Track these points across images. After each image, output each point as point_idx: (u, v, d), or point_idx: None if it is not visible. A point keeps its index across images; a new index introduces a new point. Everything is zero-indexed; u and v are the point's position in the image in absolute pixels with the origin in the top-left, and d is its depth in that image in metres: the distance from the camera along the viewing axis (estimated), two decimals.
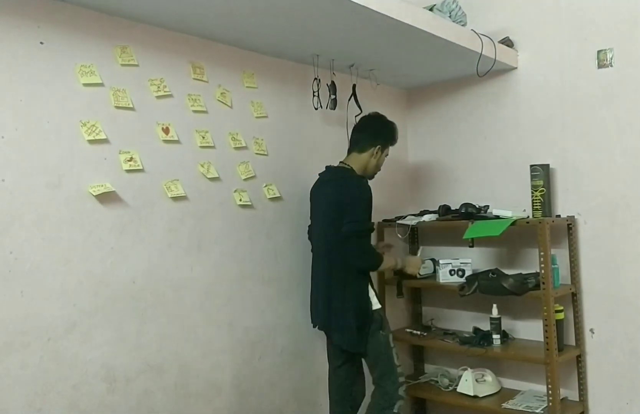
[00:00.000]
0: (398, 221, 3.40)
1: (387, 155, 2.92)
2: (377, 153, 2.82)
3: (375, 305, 2.71)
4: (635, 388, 2.90)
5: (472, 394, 3.11)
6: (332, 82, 3.10)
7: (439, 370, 3.48)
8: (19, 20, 2.03)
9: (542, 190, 3.02)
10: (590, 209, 3.03)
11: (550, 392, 2.80)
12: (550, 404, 2.80)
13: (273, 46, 2.81)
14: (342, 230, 2.60)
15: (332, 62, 3.06)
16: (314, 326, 2.84)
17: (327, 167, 2.88)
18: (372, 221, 2.75)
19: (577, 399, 3.06)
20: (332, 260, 2.68)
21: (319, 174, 2.88)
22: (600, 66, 2.99)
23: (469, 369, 3.18)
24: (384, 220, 3.54)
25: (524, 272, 3.08)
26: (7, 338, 1.96)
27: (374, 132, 2.84)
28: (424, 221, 3.32)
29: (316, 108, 3.05)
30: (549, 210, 3.04)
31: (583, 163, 3.05)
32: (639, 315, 2.89)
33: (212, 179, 2.61)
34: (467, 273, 3.23)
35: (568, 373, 3.08)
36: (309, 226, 2.95)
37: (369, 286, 2.72)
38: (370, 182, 2.79)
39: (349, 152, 2.88)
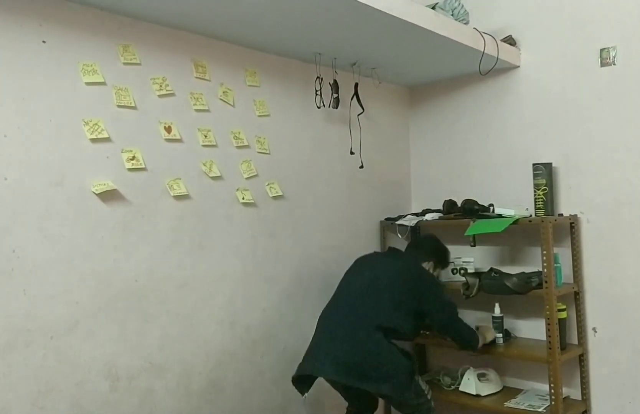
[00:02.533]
0: (397, 223, 3.40)
1: (438, 276, 3.07)
2: (430, 267, 2.95)
3: None
4: (638, 387, 2.90)
5: (474, 393, 3.10)
6: (335, 81, 3.10)
7: (441, 369, 3.48)
8: (21, 18, 2.03)
9: (545, 189, 3.02)
10: (592, 207, 3.03)
11: (552, 391, 2.80)
12: (553, 403, 2.80)
13: (276, 44, 2.81)
14: (435, 318, 2.78)
15: (335, 61, 3.05)
16: (312, 376, 2.62)
17: (390, 248, 3.07)
18: None
19: (580, 398, 3.06)
20: (382, 323, 2.55)
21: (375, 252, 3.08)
22: (603, 64, 2.98)
23: (471, 368, 3.18)
24: (387, 219, 3.53)
25: (526, 271, 3.07)
26: (10, 337, 1.96)
27: (430, 249, 3.03)
28: (424, 220, 3.32)
29: (319, 107, 3.04)
30: (551, 209, 3.03)
31: (586, 162, 3.05)
32: None
33: (215, 178, 2.61)
34: (470, 272, 3.22)
35: (570, 372, 3.08)
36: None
37: None
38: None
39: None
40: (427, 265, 2.94)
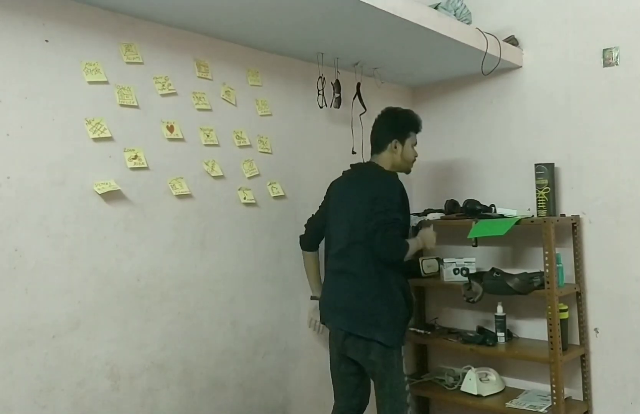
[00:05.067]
0: None
1: (414, 144, 2.75)
2: (396, 147, 2.69)
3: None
4: None
5: (475, 393, 3.10)
6: (337, 80, 3.10)
7: (442, 369, 3.48)
8: (24, 18, 2.03)
9: (547, 189, 3.02)
10: (595, 208, 3.03)
11: (554, 391, 2.80)
12: (554, 403, 2.80)
13: (278, 44, 2.80)
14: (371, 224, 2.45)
15: (337, 60, 3.05)
16: (327, 325, 2.69)
17: (352, 165, 2.79)
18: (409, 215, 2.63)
19: (582, 399, 3.06)
20: (364, 258, 2.50)
21: (344, 172, 2.79)
22: (605, 65, 2.98)
23: (472, 368, 3.18)
24: None
25: (528, 271, 3.07)
26: (12, 336, 1.96)
27: (386, 127, 2.73)
28: (426, 220, 3.32)
29: (321, 107, 3.04)
30: (553, 209, 3.03)
31: (588, 162, 3.04)
32: None
33: (217, 177, 2.61)
34: (471, 272, 3.22)
35: (572, 372, 3.07)
36: (312, 217, 2.84)
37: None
38: None
39: (371, 155, 2.77)
40: (392, 146, 2.67)
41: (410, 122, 2.77)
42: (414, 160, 2.78)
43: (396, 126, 2.73)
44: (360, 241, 2.52)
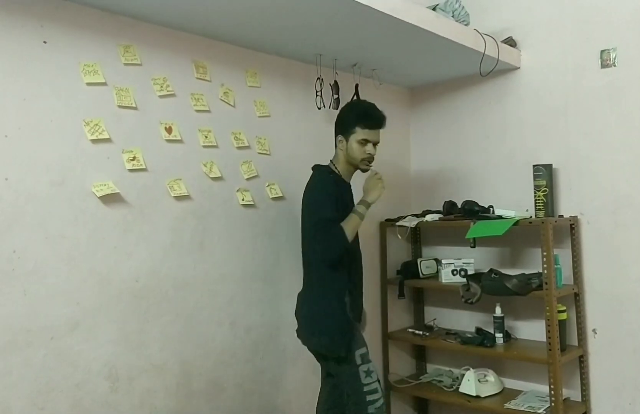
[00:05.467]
0: (397, 224, 3.39)
1: (364, 141, 2.53)
2: (341, 143, 2.57)
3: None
4: (638, 388, 2.90)
5: (474, 394, 3.10)
6: (335, 82, 3.10)
7: (441, 370, 3.48)
8: (22, 19, 2.03)
9: (545, 190, 3.02)
10: (593, 209, 3.03)
11: (552, 392, 2.80)
12: (553, 404, 2.80)
13: (276, 45, 2.81)
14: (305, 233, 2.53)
15: (335, 62, 3.06)
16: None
17: (312, 168, 2.69)
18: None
19: (580, 400, 3.06)
20: (304, 265, 2.60)
21: None
22: (603, 66, 2.99)
23: (471, 369, 3.18)
24: (387, 220, 3.54)
25: (526, 272, 3.07)
26: (11, 337, 1.96)
27: (335, 125, 2.64)
28: (424, 221, 3.32)
29: (319, 108, 3.05)
30: (551, 210, 3.04)
31: (586, 163, 3.05)
32: None
33: (215, 178, 2.61)
34: (470, 273, 3.23)
35: (570, 373, 3.08)
36: None
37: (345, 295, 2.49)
38: None
39: None
40: (337, 142, 2.59)
41: (353, 116, 2.56)
42: (365, 158, 2.56)
43: (340, 121, 2.61)
44: (305, 251, 2.59)
